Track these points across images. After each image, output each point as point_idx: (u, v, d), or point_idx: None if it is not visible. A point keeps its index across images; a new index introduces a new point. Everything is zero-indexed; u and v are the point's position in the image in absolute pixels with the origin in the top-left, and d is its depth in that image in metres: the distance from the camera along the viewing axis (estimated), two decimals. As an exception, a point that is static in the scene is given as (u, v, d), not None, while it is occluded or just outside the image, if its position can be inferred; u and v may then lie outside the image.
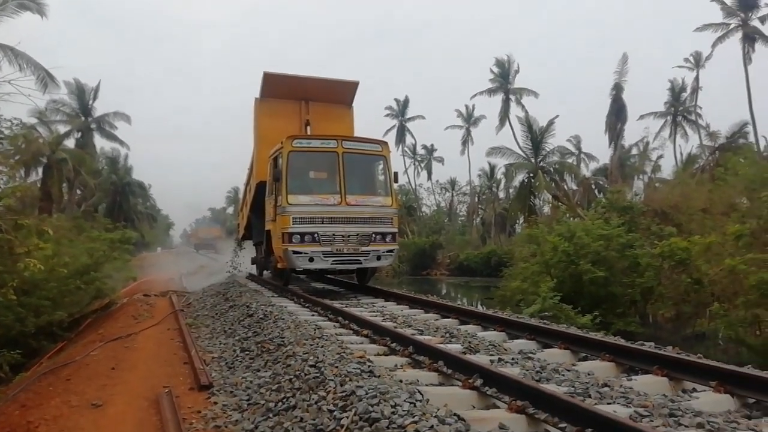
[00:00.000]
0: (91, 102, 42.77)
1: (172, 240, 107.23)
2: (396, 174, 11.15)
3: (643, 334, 15.39)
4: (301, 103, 13.11)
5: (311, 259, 9.93)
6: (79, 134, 42.47)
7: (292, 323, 7.16)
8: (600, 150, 52.76)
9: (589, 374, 4.72)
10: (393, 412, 3.39)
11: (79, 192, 42.44)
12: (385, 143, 11.53)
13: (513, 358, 5.28)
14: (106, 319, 12.68)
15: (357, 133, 12.92)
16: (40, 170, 33.64)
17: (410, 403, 3.55)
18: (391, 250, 10.58)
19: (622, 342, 5.55)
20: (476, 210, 63.19)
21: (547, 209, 43.25)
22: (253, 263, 16.21)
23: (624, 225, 20.26)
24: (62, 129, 39.40)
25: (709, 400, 3.95)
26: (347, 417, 3.57)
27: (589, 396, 4.03)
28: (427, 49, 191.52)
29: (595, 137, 49.66)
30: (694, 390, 4.33)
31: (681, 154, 47.26)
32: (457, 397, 4.01)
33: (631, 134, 53.14)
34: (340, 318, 7.57)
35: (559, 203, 35.88)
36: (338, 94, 13.45)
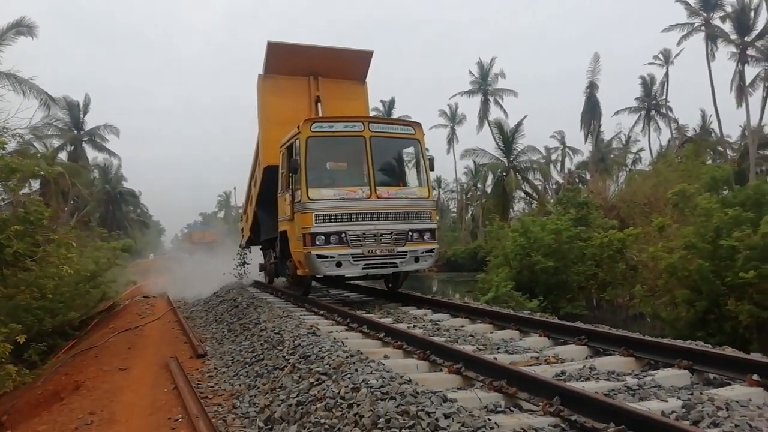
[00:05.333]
0: (82, 116, 44.64)
1: (163, 246, 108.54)
2: (432, 160, 9.74)
3: (587, 316, 17.55)
4: (310, 79, 11.95)
5: (339, 264, 8.64)
6: (72, 147, 44.29)
7: (268, 309, 9.18)
8: (584, 143, 55.14)
9: (459, 328, 6.85)
10: (320, 351, 5.42)
11: (72, 202, 44.12)
12: (418, 124, 9.90)
13: (423, 324, 7.31)
14: (114, 317, 14.67)
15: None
16: (35, 183, 35.38)
17: (332, 346, 5.56)
18: (430, 250, 9.34)
19: (506, 311, 7.71)
20: (464, 207, 65.40)
21: (522, 206, 45.73)
22: (261, 270, 14.24)
23: (581, 219, 22.52)
24: (56, 143, 41.22)
25: (534, 340, 6.01)
26: (293, 357, 5.60)
27: (458, 342, 6.07)
28: (409, 48, 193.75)
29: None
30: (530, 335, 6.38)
31: (660, 146, 50.04)
32: (367, 344, 6.07)
33: (608, 129, 55.58)
34: (306, 304, 9.57)
35: (531, 199, 38.15)
36: (351, 67, 12.25)
